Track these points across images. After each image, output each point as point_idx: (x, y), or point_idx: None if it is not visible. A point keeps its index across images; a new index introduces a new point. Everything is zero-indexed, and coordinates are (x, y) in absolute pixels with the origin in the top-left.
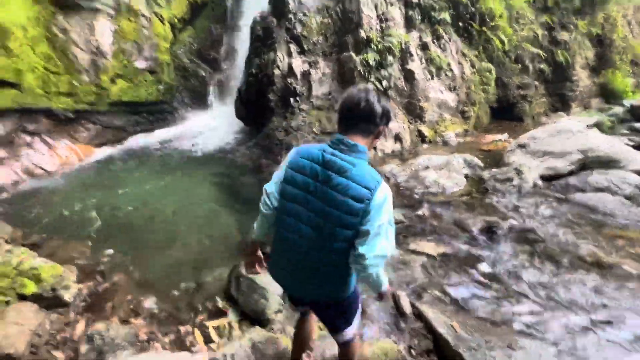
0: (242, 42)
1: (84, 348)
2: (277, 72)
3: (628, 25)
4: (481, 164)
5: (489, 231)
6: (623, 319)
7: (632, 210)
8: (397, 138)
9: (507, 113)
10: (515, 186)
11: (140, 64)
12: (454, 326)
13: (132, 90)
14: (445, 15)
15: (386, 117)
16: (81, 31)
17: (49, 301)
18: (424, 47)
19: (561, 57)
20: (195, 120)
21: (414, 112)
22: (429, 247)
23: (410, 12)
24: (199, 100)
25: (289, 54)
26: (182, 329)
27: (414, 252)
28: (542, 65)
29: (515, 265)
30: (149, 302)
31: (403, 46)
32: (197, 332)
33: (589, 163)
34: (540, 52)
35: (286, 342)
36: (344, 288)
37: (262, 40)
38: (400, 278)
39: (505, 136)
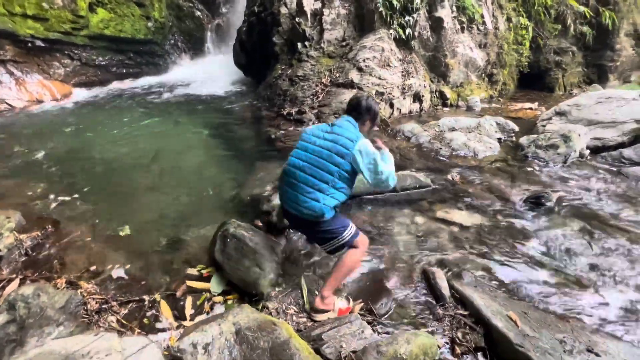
0: None
1: (1, 318)
2: (283, 10)
3: None
4: (516, 128)
5: (535, 202)
6: None
7: None
8: (417, 97)
9: (536, 81)
10: (561, 155)
11: None
12: (512, 318)
13: (116, 23)
14: None
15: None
16: None
17: None
18: None
19: (607, 19)
20: (190, 66)
21: (438, 69)
22: (461, 216)
23: None
24: (195, 46)
25: None
26: (147, 298)
27: (443, 220)
28: (584, 28)
29: (572, 245)
30: (112, 261)
31: None
32: (163, 305)
33: None
34: (587, 10)
35: (288, 332)
36: (319, 210)
37: None
38: (429, 252)
39: (535, 105)
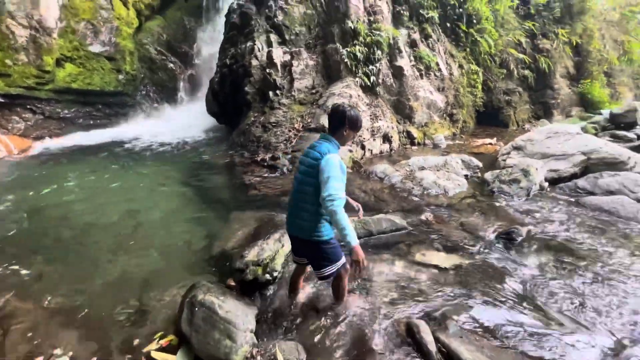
0: (218, 39)
1: None
2: (255, 62)
3: (602, 39)
4: (480, 164)
5: (507, 238)
6: None
7: None
8: (386, 138)
9: (491, 118)
10: (524, 188)
11: (96, 47)
12: None
13: (84, 77)
14: (434, 14)
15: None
16: (20, 2)
17: None
18: (412, 44)
19: (544, 64)
20: (162, 116)
21: (404, 111)
22: (439, 257)
23: (398, 8)
24: (167, 96)
25: (269, 44)
26: None
27: (422, 264)
28: (526, 72)
29: (547, 280)
30: (63, 342)
31: (391, 41)
32: None
33: (592, 165)
34: (525, 57)
35: None
36: (312, 230)
37: (238, 28)
38: (411, 300)
39: (494, 140)
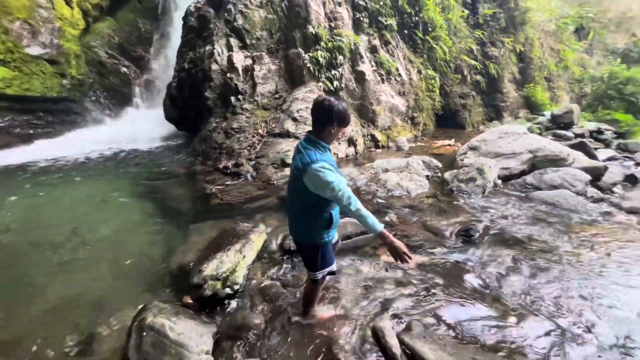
0: (177, 42)
1: None
2: (215, 66)
3: (541, 47)
4: (440, 165)
5: (465, 235)
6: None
7: (590, 205)
8: (351, 142)
9: (449, 121)
10: (479, 186)
11: (35, 50)
12: None
13: (21, 82)
14: (392, 22)
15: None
16: None
17: None
18: (373, 50)
19: (493, 70)
20: (115, 123)
21: (367, 115)
22: None
23: (358, 15)
24: (121, 101)
25: (229, 48)
26: None
27: (386, 266)
28: (478, 77)
29: (503, 273)
30: None
31: (353, 47)
32: None
33: (538, 162)
34: (477, 63)
35: None
36: (307, 234)
37: (196, 31)
38: (376, 303)
39: (452, 141)
